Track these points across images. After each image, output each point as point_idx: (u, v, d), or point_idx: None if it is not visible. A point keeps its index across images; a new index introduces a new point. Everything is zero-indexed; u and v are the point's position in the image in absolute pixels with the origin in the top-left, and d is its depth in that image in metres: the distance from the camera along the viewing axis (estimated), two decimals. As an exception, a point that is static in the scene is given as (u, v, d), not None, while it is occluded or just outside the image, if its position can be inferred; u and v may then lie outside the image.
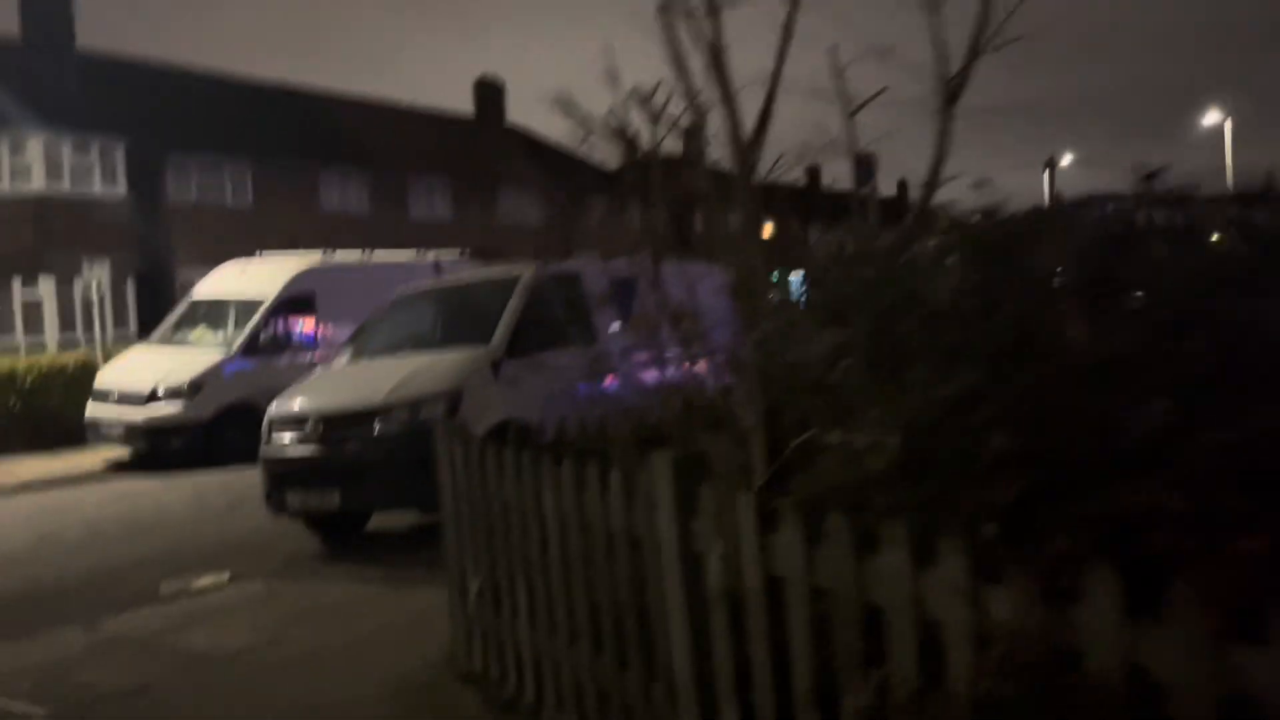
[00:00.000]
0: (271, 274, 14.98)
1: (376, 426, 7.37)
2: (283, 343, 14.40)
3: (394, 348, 8.60)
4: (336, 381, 8.40)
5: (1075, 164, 37.52)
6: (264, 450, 7.96)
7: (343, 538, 7.97)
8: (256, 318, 14.23)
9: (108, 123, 25.25)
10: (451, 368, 7.71)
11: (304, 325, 14.69)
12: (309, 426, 7.59)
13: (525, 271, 8.58)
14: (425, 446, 7.60)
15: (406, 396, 7.42)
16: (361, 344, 8.96)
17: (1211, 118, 30.21)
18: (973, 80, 3.51)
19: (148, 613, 6.57)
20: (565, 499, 3.71)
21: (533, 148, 41.41)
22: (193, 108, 27.98)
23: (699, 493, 3.00)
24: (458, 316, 8.76)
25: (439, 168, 34.54)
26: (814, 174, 60.29)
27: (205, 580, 7.16)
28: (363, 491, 7.35)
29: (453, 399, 7.44)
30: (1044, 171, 33.94)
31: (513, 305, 8.19)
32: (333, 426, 7.51)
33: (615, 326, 9.11)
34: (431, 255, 16.29)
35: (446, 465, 4.79)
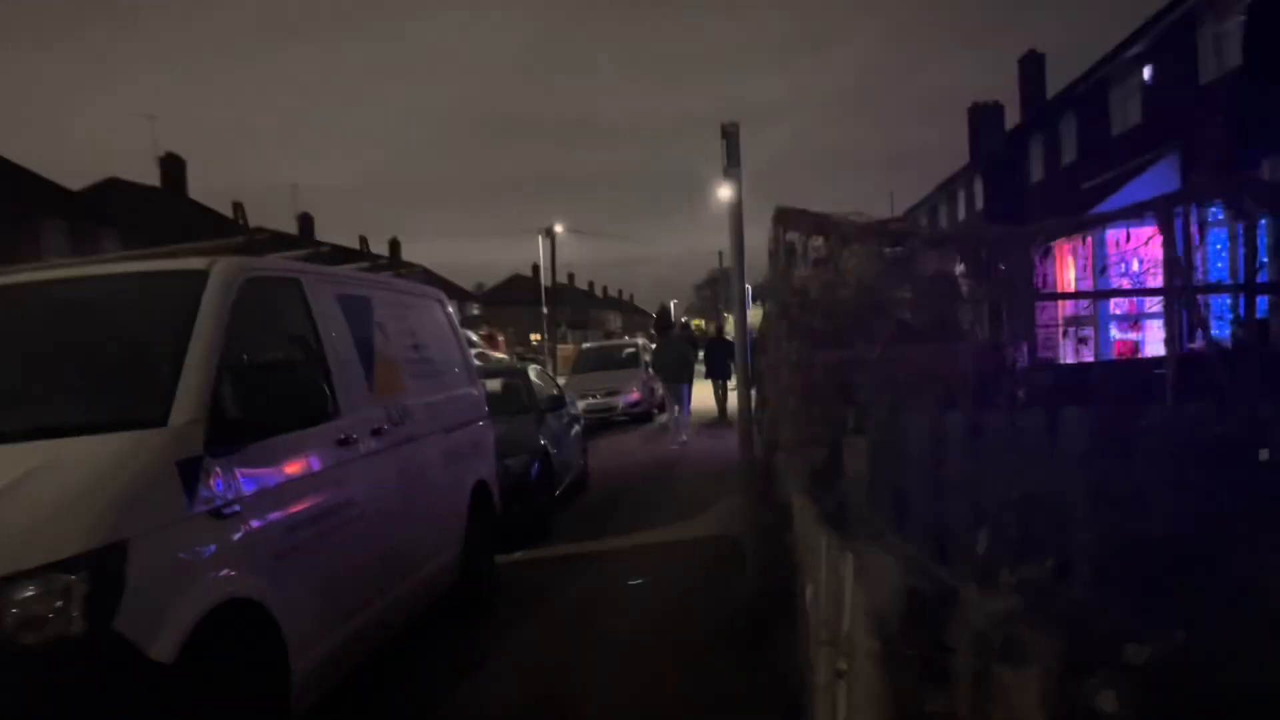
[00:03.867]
0: None
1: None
2: None
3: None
4: None
5: (567, 232, 46.31)
6: None
7: None
8: None
9: None
10: (86, 484, 3.19)
11: None
12: None
13: (214, 267, 4.17)
14: (43, 696, 3.10)
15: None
16: None
17: (725, 193, 32.39)
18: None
19: None
20: None
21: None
22: None
23: None
24: (57, 359, 4.05)
25: None
26: (305, 220, 55.85)
27: None
28: None
29: (107, 566, 3.02)
30: (542, 237, 42.70)
31: (204, 334, 3.83)
32: None
33: (360, 376, 5.07)
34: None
35: None
